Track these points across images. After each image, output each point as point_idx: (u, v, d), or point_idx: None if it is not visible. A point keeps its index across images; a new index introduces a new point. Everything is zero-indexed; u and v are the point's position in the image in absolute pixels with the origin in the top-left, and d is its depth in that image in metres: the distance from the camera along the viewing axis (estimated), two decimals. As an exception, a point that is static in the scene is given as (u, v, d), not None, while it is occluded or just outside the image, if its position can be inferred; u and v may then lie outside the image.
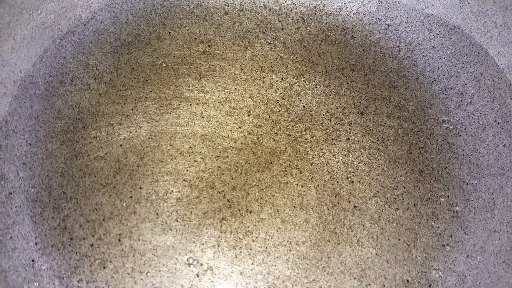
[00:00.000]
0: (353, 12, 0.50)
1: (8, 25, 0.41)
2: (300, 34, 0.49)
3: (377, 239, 0.41)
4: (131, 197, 0.41)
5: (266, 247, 0.40)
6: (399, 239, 0.42)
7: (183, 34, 0.48)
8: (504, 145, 0.44)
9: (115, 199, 0.40)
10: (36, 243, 0.38)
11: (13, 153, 0.40)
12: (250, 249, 0.40)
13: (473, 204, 0.43)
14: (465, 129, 0.46)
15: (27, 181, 0.40)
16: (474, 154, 0.45)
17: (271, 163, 0.43)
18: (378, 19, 0.50)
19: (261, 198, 0.42)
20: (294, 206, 0.42)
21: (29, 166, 0.40)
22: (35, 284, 0.37)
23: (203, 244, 0.40)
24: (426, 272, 0.41)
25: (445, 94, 0.47)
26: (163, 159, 0.42)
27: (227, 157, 0.43)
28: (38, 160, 0.41)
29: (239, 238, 0.40)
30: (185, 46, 0.47)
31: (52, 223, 0.39)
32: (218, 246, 0.40)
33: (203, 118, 0.44)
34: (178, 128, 0.44)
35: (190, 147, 0.43)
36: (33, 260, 0.38)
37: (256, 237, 0.40)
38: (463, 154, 0.45)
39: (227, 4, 0.49)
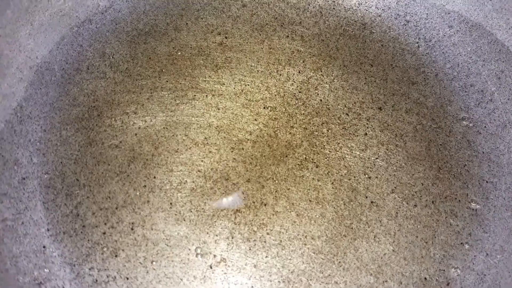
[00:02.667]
0: (372, 7, 0.50)
1: (26, 11, 0.41)
2: (318, 28, 0.48)
3: (395, 235, 0.40)
4: (145, 186, 0.40)
5: (281, 241, 0.39)
6: (417, 236, 0.41)
7: (200, 25, 0.47)
8: (525, 143, 0.44)
9: (129, 187, 0.40)
10: (48, 230, 0.38)
11: (27, 138, 0.40)
12: (265, 241, 0.39)
13: (493, 203, 0.42)
14: (485, 126, 0.45)
15: (40, 167, 0.40)
16: (494, 152, 0.44)
17: (286, 156, 0.43)
18: (398, 14, 0.49)
19: (276, 191, 0.41)
20: (310, 200, 0.41)
21: (43, 152, 0.40)
22: (45, 270, 0.36)
23: (216, 236, 0.39)
24: (444, 270, 0.40)
25: (465, 91, 0.47)
26: (177, 149, 0.42)
27: (242, 149, 0.42)
28: (52, 147, 0.41)
29: (253, 231, 0.39)
30: (202, 37, 0.47)
31: (65, 210, 0.38)
32: (232, 238, 0.39)
33: (218, 109, 0.44)
34: (193, 118, 0.43)
35: (205, 138, 0.43)
36: (44, 247, 0.37)
37: (271, 230, 0.40)
38: (483, 152, 0.44)
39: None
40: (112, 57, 0.45)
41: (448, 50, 0.48)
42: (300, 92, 0.45)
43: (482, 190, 0.43)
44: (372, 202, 0.42)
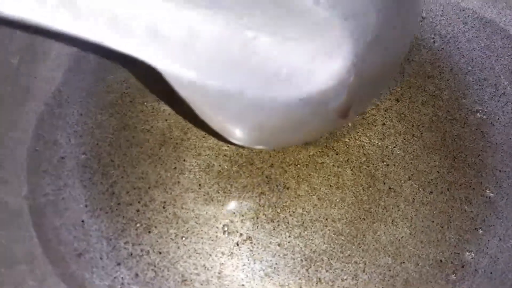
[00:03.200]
0: (389, 4, 0.52)
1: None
2: (338, 23, 0.51)
3: (411, 220, 0.42)
4: (175, 168, 0.42)
5: (303, 222, 0.41)
6: (433, 221, 0.42)
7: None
8: (537, 135, 0.45)
9: (160, 169, 0.42)
10: (86, 206, 0.40)
11: (65, 121, 0.42)
12: (288, 223, 0.41)
13: (506, 191, 0.44)
14: (498, 119, 0.47)
15: (77, 147, 0.42)
16: (507, 143, 0.46)
17: (308, 143, 0.45)
18: (414, 11, 0.51)
19: (298, 176, 0.43)
20: (330, 185, 0.43)
21: (80, 134, 0.42)
22: (84, 243, 0.38)
23: (242, 216, 0.41)
24: (459, 254, 0.42)
25: (479, 85, 0.49)
26: (205, 135, 0.44)
27: (266, 136, 0.45)
28: (88, 129, 0.43)
29: (277, 212, 0.41)
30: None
31: (101, 188, 0.41)
32: (257, 218, 0.41)
33: (243, 98, 0.46)
34: (220, 106, 0.45)
35: (231, 124, 0.45)
36: (83, 221, 0.39)
37: (293, 212, 0.42)
38: (496, 143, 0.46)
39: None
40: (144, 47, 0.47)
41: (462, 45, 0.50)
42: (321, 83, 0.47)
43: (495, 179, 0.45)
44: (390, 188, 0.43)
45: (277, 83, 0.29)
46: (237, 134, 0.35)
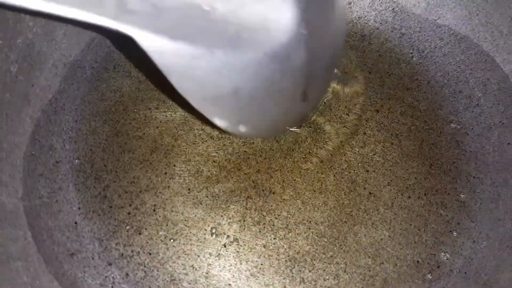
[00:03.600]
0: (370, 20, 0.55)
1: (62, 14, 0.45)
2: (322, 38, 0.53)
3: (390, 223, 0.45)
4: (166, 173, 0.44)
5: (288, 225, 0.43)
6: (411, 224, 0.45)
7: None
8: (508, 143, 0.48)
9: (151, 174, 0.44)
10: (79, 208, 0.42)
11: (60, 127, 0.44)
12: (273, 225, 0.43)
13: (479, 196, 0.47)
14: (472, 128, 0.50)
15: (72, 153, 0.44)
16: (480, 151, 0.49)
17: (293, 150, 0.47)
18: (394, 28, 0.55)
19: (283, 181, 0.45)
20: (314, 190, 0.45)
21: (75, 140, 0.44)
22: (76, 243, 0.40)
23: (230, 219, 0.43)
24: (435, 255, 0.44)
25: (454, 97, 0.51)
26: (195, 141, 0.46)
27: (253, 143, 0.47)
28: (83, 136, 0.45)
29: (263, 215, 0.44)
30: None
31: (94, 192, 0.42)
32: (244, 221, 0.43)
33: (232, 107, 0.48)
34: (209, 115, 0.48)
35: (219, 132, 0.47)
36: (76, 223, 0.41)
37: (279, 215, 0.44)
38: (470, 151, 0.49)
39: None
40: (137, 58, 0.49)
41: (439, 60, 0.53)
42: (305, 94, 0.50)
43: (469, 184, 0.47)
44: (370, 193, 0.46)
45: (241, 42, 0.32)
46: (217, 107, 0.37)
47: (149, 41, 0.30)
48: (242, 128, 0.39)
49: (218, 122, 0.37)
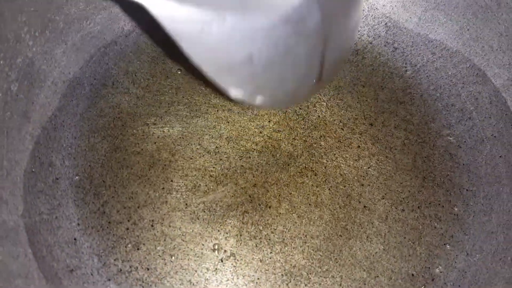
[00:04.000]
0: (364, 35, 0.56)
1: (61, 32, 0.46)
2: (316, 53, 0.54)
3: (385, 236, 0.45)
4: (163, 188, 0.45)
5: (284, 239, 0.44)
6: (405, 237, 0.46)
7: (212, 49, 0.53)
8: (500, 156, 0.49)
9: (149, 189, 0.45)
10: (78, 224, 0.42)
11: (60, 144, 0.45)
12: (269, 239, 0.44)
13: (472, 208, 0.47)
14: (464, 141, 0.51)
15: (71, 169, 0.44)
16: (473, 164, 0.50)
17: (288, 165, 0.48)
18: (387, 42, 0.56)
19: (279, 195, 0.46)
20: (309, 204, 0.46)
21: (74, 156, 0.45)
22: (76, 259, 0.40)
23: (226, 233, 0.44)
24: (429, 268, 0.45)
25: (447, 110, 0.52)
26: (192, 156, 0.47)
27: (249, 157, 0.48)
28: (82, 152, 0.45)
29: (259, 230, 0.44)
30: (214, 59, 0.53)
31: (93, 207, 0.43)
32: (240, 235, 0.44)
33: (228, 122, 0.49)
34: (206, 130, 0.48)
35: (216, 147, 0.48)
36: (75, 239, 0.41)
37: (275, 229, 0.44)
38: (463, 164, 0.50)
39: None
40: (135, 75, 0.50)
41: (431, 74, 0.54)
42: (300, 108, 0.51)
43: (462, 197, 0.48)
44: (364, 206, 0.47)
45: (252, 5, 0.32)
46: (232, 76, 0.36)
47: (158, 7, 0.30)
48: (258, 98, 0.38)
49: (234, 92, 0.36)
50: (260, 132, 0.49)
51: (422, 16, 0.54)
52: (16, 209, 0.39)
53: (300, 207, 0.46)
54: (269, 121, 0.50)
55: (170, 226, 0.43)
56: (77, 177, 0.44)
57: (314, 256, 0.44)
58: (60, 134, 0.45)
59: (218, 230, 0.44)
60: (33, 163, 0.42)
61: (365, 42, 0.56)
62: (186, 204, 0.44)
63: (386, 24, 0.56)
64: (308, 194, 0.46)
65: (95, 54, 0.50)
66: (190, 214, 0.44)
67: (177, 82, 0.51)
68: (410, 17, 0.55)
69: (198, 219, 0.44)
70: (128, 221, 0.43)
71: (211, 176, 0.46)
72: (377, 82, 0.54)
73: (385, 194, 0.47)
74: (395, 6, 0.55)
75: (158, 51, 0.52)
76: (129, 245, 0.42)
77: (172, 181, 0.45)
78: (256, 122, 0.49)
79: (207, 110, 0.49)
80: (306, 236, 0.44)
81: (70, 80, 0.47)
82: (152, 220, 0.43)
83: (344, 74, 0.53)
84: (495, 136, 0.50)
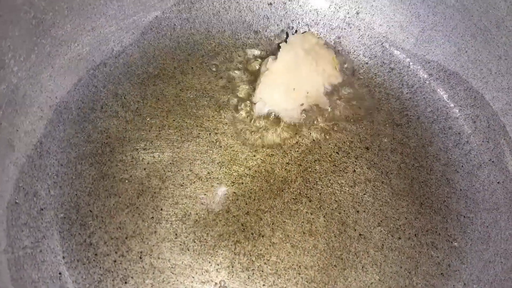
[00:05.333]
0: (360, 55, 0.55)
1: (48, 55, 0.45)
2: (311, 73, 0.53)
3: (380, 266, 0.44)
4: (152, 217, 0.43)
5: (277, 270, 0.43)
6: (401, 267, 0.44)
7: (204, 70, 0.52)
8: (498, 182, 0.48)
9: (138, 219, 0.43)
10: (64, 257, 0.41)
11: (45, 172, 0.43)
12: (262, 271, 0.43)
13: (470, 236, 0.46)
14: (462, 166, 0.50)
15: (57, 198, 0.43)
16: (470, 190, 0.49)
17: (282, 191, 0.46)
18: (383, 62, 0.54)
19: (272, 224, 0.45)
20: (304, 232, 0.45)
21: (60, 185, 0.44)
22: (61, 295, 0.39)
23: (218, 265, 0.42)
24: (426, 299, 0.44)
25: (444, 133, 0.51)
26: (183, 183, 0.45)
27: (242, 183, 0.46)
28: (68, 180, 0.44)
29: (252, 261, 0.43)
30: (206, 80, 0.51)
31: (79, 239, 0.42)
32: (232, 267, 0.42)
33: (220, 147, 0.48)
34: (197, 155, 0.47)
35: (208, 173, 0.46)
36: (60, 273, 0.40)
37: (268, 260, 0.43)
38: (461, 189, 0.49)
39: (245, 44, 0.54)
40: (124, 98, 0.49)
41: (428, 95, 0.53)
42: (296, 133, 0.50)
43: (460, 224, 0.47)
44: (360, 234, 0.45)
45: None
46: None
47: None
48: None
49: None
50: (254, 156, 0.48)
51: (419, 36, 0.53)
52: (-2, 245, 0.38)
53: (294, 236, 0.44)
54: (262, 146, 0.48)
55: (159, 258, 0.42)
56: (62, 207, 0.43)
57: (308, 288, 0.43)
58: (46, 162, 0.44)
59: (209, 262, 0.42)
60: (17, 193, 0.41)
61: (361, 62, 0.55)
62: (176, 234, 0.43)
63: (382, 44, 0.55)
64: (303, 222, 0.45)
65: (83, 76, 0.48)
66: (180, 244, 0.43)
67: (168, 104, 0.49)
68: (407, 38, 0.54)
69: (188, 250, 0.43)
70: (116, 253, 0.42)
71: (202, 203, 0.45)
72: (373, 104, 0.52)
73: (381, 221, 0.46)
74: (392, 26, 0.54)
75: (149, 72, 0.51)
76: (117, 279, 0.41)
77: (161, 209, 0.44)
78: (249, 145, 0.48)
79: (199, 134, 0.48)
80: (300, 267, 0.43)
81: (56, 105, 0.46)
82: (141, 252, 0.42)
83: (339, 96, 0.52)
84: (493, 161, 0.49)
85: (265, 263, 0.43)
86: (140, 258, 0.42)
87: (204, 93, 0.50)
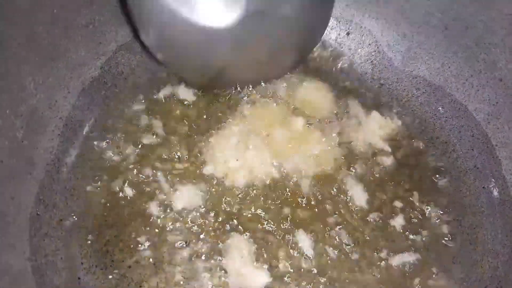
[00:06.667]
0: (351, 72, 0.59)
1: (63, 78, 0.49)
2: (307, 90, 0.57)
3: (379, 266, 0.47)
4: (163, 226, 0.47)
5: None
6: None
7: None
8: (483, 187, 0.52)
9: (150, 227, 0.46)
10: (82, 263, 0.44)
11: (63, 185, 0.47)
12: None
13: (459, 238, 0.50)
14: (450, 172, 0.53)
15: (74, 209, 0.46)
16: (458, 195, 0.52)
17: None
18: (373, 79, 0.59)
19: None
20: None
21: (76, 197, 0.47)
22: (81, 299, 0.42)
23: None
24: (419, 297, 0.47)
25: (432, 143, 0.55)
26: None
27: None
28: (84, 192, 0.47)
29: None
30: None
31: (96, 247, 0.45)
32: (238, 270, 0.45)
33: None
34: (203, 167, 0.50)
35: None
36: (79, 278, 0.43)
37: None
38: (449, 194, 0.52)
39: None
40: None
41: (416, 108, 0.57)
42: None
43: (450, 227, 0.50)
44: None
45: None
46: None
47: None
48: None
49: None
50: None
51: (406, 54, 0.58)
52: (23, 253, 0.41)
53: None
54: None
55: (171, 263, 0.45)
56: (80, 217, 0.46)
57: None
58: (63, 176, 0.47)
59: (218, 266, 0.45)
60: (38, 206, 0.44)
61: (353, 79, 0.59)
62: (186, 242, 0.46)
63: (372, 61, 0.59)
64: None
65: (96, 97, 0.52)
66: (190, 252, 0.46)
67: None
68: (395, 55, 0.58)
69: (198, 256, 0.46)
70: (130, 259, 0.45)
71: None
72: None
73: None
74: (380, 45, 0.59)
75: (154, 91, 0.55)
76: (132, 284, 0.44)
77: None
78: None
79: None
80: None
81: (72, 123, 0.49)
82: (154, 258, 0.45)
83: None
84: (477, 168, 0.53)
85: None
86: (154, 264, 0.45)
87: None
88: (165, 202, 0.48)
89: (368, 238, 0.48)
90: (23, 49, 0.44)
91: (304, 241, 0.47)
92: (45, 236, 0.44)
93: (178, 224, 0.47)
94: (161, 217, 0.47)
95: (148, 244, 0.45)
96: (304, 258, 0.46)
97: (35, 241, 0.43)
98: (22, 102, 0.44)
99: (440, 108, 0.56)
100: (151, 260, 0.45)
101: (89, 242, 0.45)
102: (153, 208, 0.47)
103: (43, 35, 0.46)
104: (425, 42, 0.56)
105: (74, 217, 0.46)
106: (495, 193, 0.52)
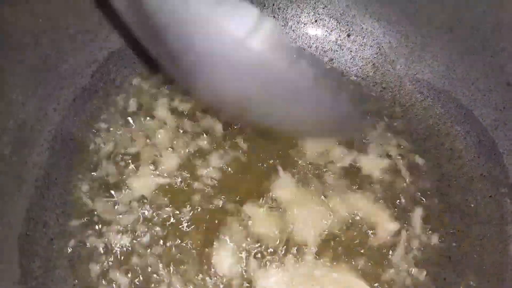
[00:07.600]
0: (352, 76, 0.57)
1: (54, 89, 0.47)
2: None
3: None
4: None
5: None
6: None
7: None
8: (490, 196, 0.50)
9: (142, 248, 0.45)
10: (74, 285, 0.42)
11: (53, 202, 0.45)
12: None
13: (464, 249, 0.48)
14: (455, 181, 0.52)
15: (65, 227, 0.45)
16: (464, 203, 0.50)
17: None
18: (375, 82, 0.57)
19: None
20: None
21: (68, 213, 0.45)
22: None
23: (223, 286, 0.44)
24: (424, 312, 0.45)
25: (437, 150, 0.53)
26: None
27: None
28: (75, 209, 0.46)
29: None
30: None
31: (87, 268, 0.43)
32: (237, 287, 0.44)
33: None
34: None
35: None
36: (71, 301, 0.42)
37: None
38: (454, 204, 0.50)
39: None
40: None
41: (420, 113, 0.55)
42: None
43: (455, 237, 0.49)
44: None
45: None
46: None
47: None
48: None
49: None
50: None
51: (409, 56, 0.55)
52: (13, 276, 0.40)
53: None
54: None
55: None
56: (72, 237, 0.44)
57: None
58: (53, 191, 0.46)
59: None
60: (28, 225, 0.43)
61: (354, 83, 0.57)
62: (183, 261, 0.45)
63: (373, 64, 0.57)
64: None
65: (88, 108, 0.50)
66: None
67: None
68: (397, 58, 0.56)
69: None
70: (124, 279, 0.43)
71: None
72: (367, 122, 0.54)
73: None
74: (382, 47, 0.56)
75: (148, 101, 0.53)
76: (125, 307, 0.42)
77: (167, 234, 0.46)
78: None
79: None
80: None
81: (62, 136, 0.47)
82: (148, 276, 0.43)
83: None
84: (484, 176, 0.51)
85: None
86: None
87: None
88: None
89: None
90: (11, 61, 0.43)
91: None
92: (36, 257, 0.42)
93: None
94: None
95: (142, 264, 0.44)
96: None
97: (26, 263, 0.41)
98: (9, 116, 0.43)
99: (444, 113, 0.54)
100: (144, 280, 0.43)
101: (81, 261, 0.43)
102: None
103: (30, 46, 0.44)
104: (429, 44, 0.54)
105: (65, 235, 0.44)
106: (503, 202, 0.50)
